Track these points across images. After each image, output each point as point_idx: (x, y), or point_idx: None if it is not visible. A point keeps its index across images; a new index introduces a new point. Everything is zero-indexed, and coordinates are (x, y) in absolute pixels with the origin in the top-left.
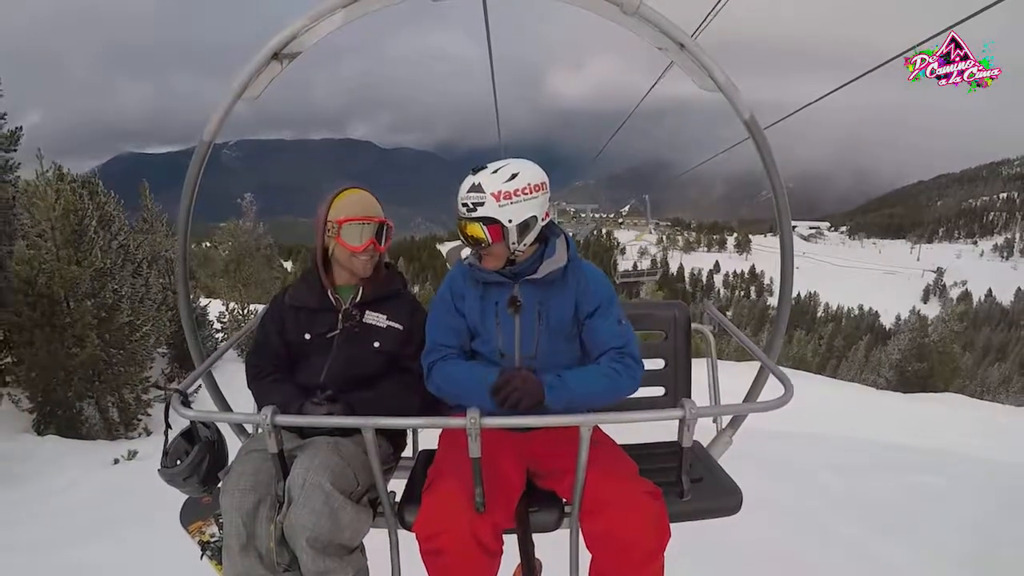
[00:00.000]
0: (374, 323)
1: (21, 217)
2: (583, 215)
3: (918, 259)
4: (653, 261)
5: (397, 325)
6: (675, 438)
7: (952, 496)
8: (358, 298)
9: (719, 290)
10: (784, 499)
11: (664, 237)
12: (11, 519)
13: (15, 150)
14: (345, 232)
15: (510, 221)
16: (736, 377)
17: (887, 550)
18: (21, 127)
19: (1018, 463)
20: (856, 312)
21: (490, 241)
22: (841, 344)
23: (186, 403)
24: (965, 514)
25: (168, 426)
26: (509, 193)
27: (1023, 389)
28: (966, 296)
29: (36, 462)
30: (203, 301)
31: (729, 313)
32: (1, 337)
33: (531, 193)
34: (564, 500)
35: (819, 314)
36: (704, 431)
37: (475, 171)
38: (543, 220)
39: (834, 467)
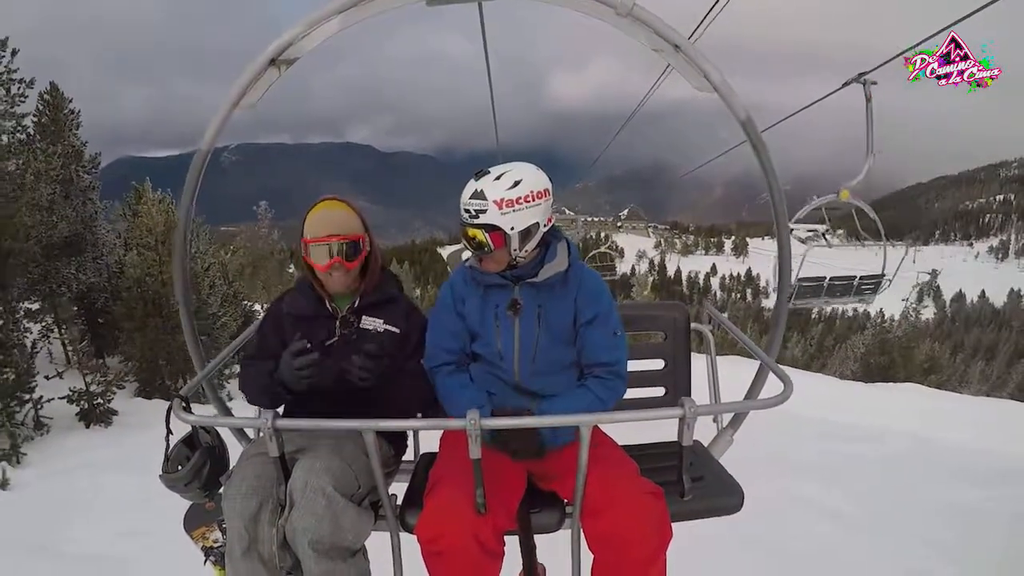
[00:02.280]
0: (371, 328)
1: (101, 228)
2: (575, 220)
3: (914, 261)
4: (647, 264)
5: (394, 329)
6: (676, 438)
7: (887, 462)
8: (355, 304)
9: (715, 292)
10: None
11: (662, 240)
12: (152, 452)
13: (95, 172)
14: (312, 251)
15: (512, 228)
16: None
17: (831, 499)
18: (100, 152)
19: (948, 440)
20: (850, 313)
21: (492, 247)
22: (832, 343)
23: (187, 408)
24: (896, 476)
25: (169, 431)
26: (512, 201)
27: (992, 383)
28: (960, 297)
29: (153, 416)
30: (245, 302)
31: (725, 314)
32: (84, 328)
33: (534, 200)
34: (565, 501)
35: (813, 315)
36: (705, 430)
37: (477, 176)
38: (545, 226)
39: (792, 436)
